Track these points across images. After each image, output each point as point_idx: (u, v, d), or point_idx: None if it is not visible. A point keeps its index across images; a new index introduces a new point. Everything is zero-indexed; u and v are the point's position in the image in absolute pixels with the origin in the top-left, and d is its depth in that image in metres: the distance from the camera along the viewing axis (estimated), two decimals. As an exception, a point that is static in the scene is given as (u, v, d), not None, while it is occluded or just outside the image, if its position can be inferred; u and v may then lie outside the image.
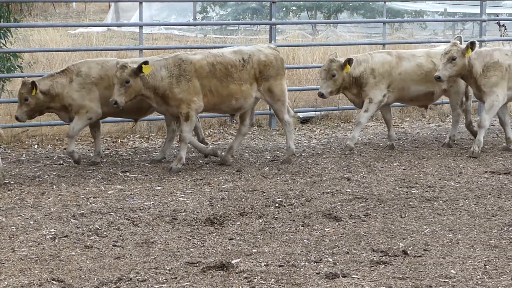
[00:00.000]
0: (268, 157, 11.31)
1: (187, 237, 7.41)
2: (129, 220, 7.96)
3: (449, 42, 11.76)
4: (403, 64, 11.69)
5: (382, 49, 14.98)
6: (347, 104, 13.85)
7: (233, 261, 6.70)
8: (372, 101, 11.48)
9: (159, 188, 9.37)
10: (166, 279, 6.36)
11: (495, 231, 7.60)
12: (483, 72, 11.12)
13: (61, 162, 10.88)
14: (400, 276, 6.44)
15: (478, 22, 16.17)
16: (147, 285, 6.23)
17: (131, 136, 12.62)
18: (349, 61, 11.24)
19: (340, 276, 6.42)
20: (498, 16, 26.56)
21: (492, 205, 8.55)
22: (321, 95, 11.50)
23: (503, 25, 22.26)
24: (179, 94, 10.05)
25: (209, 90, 10.28)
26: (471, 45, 10.98)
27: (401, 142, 12.41)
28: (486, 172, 10.25)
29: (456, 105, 11.97)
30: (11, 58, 13.01)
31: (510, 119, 11.67)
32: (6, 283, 6.23)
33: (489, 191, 9.19)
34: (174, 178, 9.89)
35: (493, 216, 8.13)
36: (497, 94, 11.12)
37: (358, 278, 6.40)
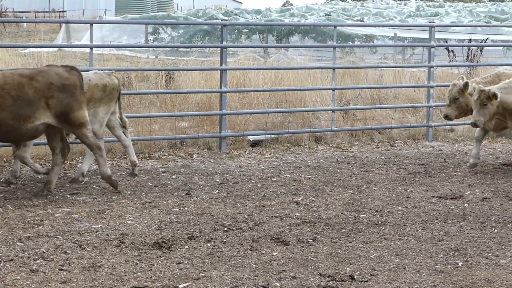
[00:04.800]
0: (217, 180, 11.31)
1: (135, 261, 7.36)
2: (76, 243, 7.88)
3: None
4: None
5: (332, 73, 15.11)
6: (296, 128, 13.91)
7: (180, 286, 6.67)
8: None
9: (108, 211, 9.30)
10: (112, 304, 6.32)
11: (441, 256, 7.66)
12: None
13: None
14: (347, 301, 6.48)
15: (427, 47, 16.40)
16: (93, 310, 6.19)
17: (80, 158, 12.53)
18: None
19: (287, 301, 6.44)
20: (447, 42, 27.04)
21: (439, 230, 8.63)
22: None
23: (452, 50, 22.63)
24: None
25: None
26: None
27: (350, 166, 12.49)
28: (433, 197, 10.35)
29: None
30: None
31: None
32: (-51, 308, 6.14)
33: (436, 216, 9.28)
34: (123, 201, 9.84)
35: (440, 241, 8.21)
36: None
37: (305, 303, 6.42)
